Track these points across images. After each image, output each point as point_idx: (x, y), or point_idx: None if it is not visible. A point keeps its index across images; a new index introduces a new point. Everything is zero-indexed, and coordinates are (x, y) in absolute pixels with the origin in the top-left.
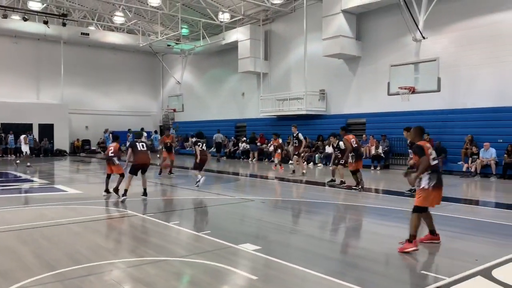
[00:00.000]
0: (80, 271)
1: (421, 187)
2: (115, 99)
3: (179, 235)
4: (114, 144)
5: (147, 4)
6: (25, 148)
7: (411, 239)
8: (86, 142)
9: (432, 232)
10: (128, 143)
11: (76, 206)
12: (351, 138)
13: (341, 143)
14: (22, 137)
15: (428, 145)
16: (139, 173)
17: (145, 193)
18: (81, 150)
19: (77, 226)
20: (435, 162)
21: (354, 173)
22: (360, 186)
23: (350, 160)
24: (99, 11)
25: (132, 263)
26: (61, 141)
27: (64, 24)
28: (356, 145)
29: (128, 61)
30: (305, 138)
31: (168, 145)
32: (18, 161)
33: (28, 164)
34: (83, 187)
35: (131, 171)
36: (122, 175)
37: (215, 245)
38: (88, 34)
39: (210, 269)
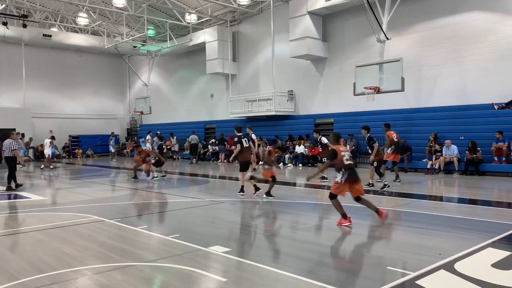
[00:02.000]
0: (43, 280)
1: (336, 180)
2: (81, 102)
3: (147, 240)
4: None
5: (112, 5)
6: None
7: (344, 217)
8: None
9: (377, 210)
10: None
11: (39, 213)
12: (392, 133)
13: (323, 138)
14: None
15: (342, 148)
16: None
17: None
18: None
19: (40, 234)
20: (349, 162)
21: (394, 164)
22: (398, 179)
23: (388, 151)
24: (61, 12)
25: (99, 270)
26: None
27: (24, 26)
28: (396, 139)
29: (93, 63)
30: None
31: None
32: None
33: None
34: (47, 193)
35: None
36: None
37: (184, 249)
38: (50, 36)
39: (179, 272)
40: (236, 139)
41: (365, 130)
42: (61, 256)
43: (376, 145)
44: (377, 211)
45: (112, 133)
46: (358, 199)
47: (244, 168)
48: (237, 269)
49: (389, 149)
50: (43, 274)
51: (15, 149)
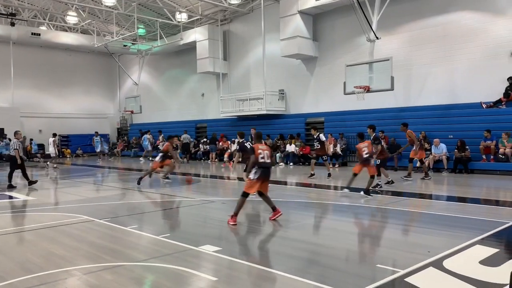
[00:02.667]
0: (32, 280)
1: (249, 177)
2: (70, 101)
3: (137, 240)
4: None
5: (102, 4)
6: None
7: (234, 215)
8: (40, 146)
9: (274, 208)
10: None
11: (28, 214)
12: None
13: (321, 135)
14: None
15: (261, 146)
16: None
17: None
18: (34, 155)
19: (29, 234)
20: (263, 161)
21: (422, 162)
22: (426, 176)
23: (414, 148)
24: (50, 11)
25: (88, 270)
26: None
27: (13, 24)
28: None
29: (83, 62)
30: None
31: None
32: None
33: None
34: (37, 194)
35: None
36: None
37: (174, 248)
38: (39, 34)
39: (169, 272)
40: (238, 146)
41: (370, 129)
42: (50, 257)
43: (379, 146)
44: (274, 208)
45: (96, 132)
46: (260, 194)
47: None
48: (228, 268)
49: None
50: (32, 274)
51: (17, 149)
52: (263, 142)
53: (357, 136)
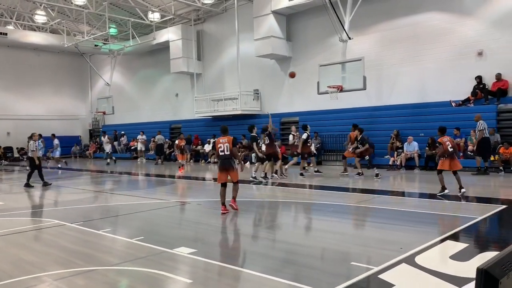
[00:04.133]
0: None
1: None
2: (40, 102)
3: (110, 243)
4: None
5: (71, 3)
6: None
7: (222, 204)
8: (9, 149)
9: (234, 198)
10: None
11: None
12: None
13: (290, 136)
14: None
15: (222, 140)
16: None
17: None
18: (2, 158)
19: None
20: (222, 154)
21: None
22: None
23: (350, 149)
24: (18, 9)
25: (59, 275)
26: None
27: None
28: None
29: (52, 62)
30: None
31: (182, 147)
32: None
33: None
34: (4, 198)
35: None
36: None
37: (148, 251)
38: (6, 34)
39: (143, 275)
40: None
41: (357, 131)
42: (19, 263)
43: (367, 144)
44: (233, 198)
45: (53, 134)
46: (224, 184)
47: (267, 159)
48: (203, 270)
49: (351, 147)
50: (0, 282)
51: (34, 150)
52: (227, 135)
53: (438, 131)
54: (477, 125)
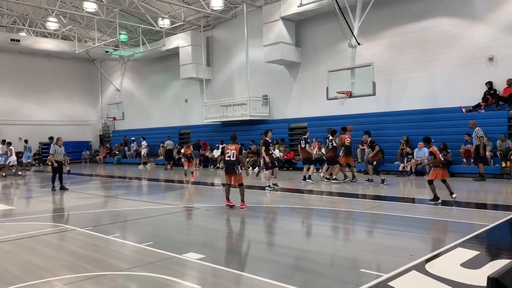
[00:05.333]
0: None
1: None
2: (52, 108)
3: (119, 248)
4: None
5: (83, 10)
6: None
7: (227, 199)
8: (20, 154)
9: (228, 199)
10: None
11: (7, 223)
12: (346, 137)
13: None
14: None
15: (230, 147)
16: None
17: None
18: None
19: (8, 244)
20: (227, 159)
21: (348, 165)
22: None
23: (341, 154)
24: (30, 16)
25: (69, 280)
26: None
27: None
28: (348, 143)
29: (64, 69)
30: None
31: (189, 155)
32: None
33: None
34: (17, 202)
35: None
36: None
37: (157, 256)
38: (19, 41)
39: (152, 281)
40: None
41: (366, 135)
42: (30, 267)
43: (377, 147)
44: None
45: (51, 138)
46: (229, 183)
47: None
48: (212, 276)
49: (342, 151)
50: (11, 286)
51: (52, 154)
52: (235, 143)
53: (424, 141)
54: (475, 131)
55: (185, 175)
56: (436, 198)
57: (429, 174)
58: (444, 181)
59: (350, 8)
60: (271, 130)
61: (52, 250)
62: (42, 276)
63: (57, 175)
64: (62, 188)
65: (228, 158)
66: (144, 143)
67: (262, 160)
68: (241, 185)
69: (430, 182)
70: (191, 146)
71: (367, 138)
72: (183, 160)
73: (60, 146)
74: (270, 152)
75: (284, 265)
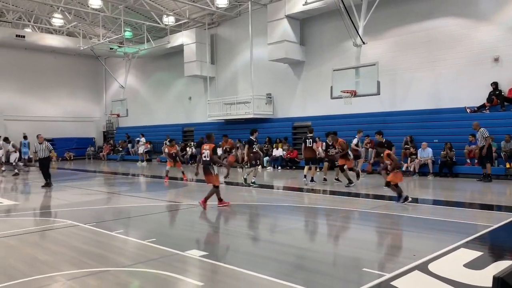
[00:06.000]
0: (15, 287)
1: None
2: (56, 104)
3: (122, 244)
4: None
5: (88, 6)
6: None
7: (220, 200)
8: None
9: (220, 199)
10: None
11: (11, 218)
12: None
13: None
14: None
15: (205, 146)
16: None
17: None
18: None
19: (11, 239)
20: (205, 159)
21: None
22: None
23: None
24: (35, 13)
25: (72, 276)
26: None
27: None
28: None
29: (68, 65)
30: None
31: (173, 154)
32: None
33: None
34: (20, 198)
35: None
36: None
37: (160, 253)
38: (24, 37)
39: (154, 277)
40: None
41: (379, 135)
42: (33, 262)
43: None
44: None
45: (39, 136)
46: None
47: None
48: (214, 273)
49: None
50: (14, 281)
51: (35, 152)
52: (210, 143)
53: (380, 145)
54: (480, 132)
55: (166, 175)
56: (401, 195)
57: (388, 176)
58: (395, 184)
59: (356, 7)
60: (258, 130)
61: (55, 245)
62: (45, 271)
63: (42, 172)
64: (47, 185)
65: (204, 158)
66: (142, 140)
67: (246, 158)
68: (216, 187)
69: (388, 184)
70: (176, 145)
71: (381, 139)
72: (168, 160)
73: (40, 143)
74: (254, 150)
75: (286, 263)
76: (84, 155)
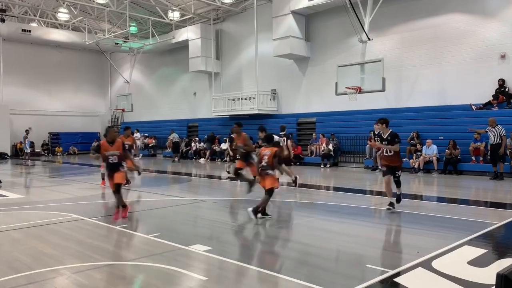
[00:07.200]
0: (20, 280)
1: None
2: (61, 99)
3: (127, 239)
4: None
5: (93, 1)
6: None
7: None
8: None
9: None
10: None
11: (17, 212)
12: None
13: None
14: None
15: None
16: None
17: None
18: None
19: (17, 233)
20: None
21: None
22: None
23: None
24: (41, 7)
25: (77, 269)
26: (1, 143)
27: (2, 20)
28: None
29: (74, 60)
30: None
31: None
32: None
33: None
34: (25, 192)
35: None
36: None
37: (164, 248)
38: (30, 31)
39: (159, 271)
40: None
41: (383, 125)
42: (39, 256)
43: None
44: (123, 206)
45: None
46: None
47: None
48: (218, 268)
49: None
50: (20, 274)
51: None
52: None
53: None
54: (496, 130)
55: (103, 179)
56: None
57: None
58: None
59: (361, 3)
60: (286, 126)
61: (60, 239)
62: (50, 264)
63: None
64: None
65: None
66: (137, 135)
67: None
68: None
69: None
70: (131, 137)
71: (385, 129)
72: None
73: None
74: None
75: (289, 259)
76: (89, 150)
